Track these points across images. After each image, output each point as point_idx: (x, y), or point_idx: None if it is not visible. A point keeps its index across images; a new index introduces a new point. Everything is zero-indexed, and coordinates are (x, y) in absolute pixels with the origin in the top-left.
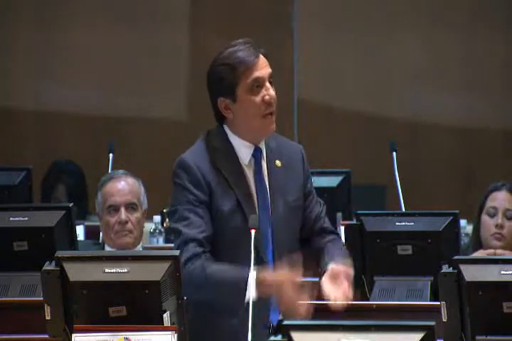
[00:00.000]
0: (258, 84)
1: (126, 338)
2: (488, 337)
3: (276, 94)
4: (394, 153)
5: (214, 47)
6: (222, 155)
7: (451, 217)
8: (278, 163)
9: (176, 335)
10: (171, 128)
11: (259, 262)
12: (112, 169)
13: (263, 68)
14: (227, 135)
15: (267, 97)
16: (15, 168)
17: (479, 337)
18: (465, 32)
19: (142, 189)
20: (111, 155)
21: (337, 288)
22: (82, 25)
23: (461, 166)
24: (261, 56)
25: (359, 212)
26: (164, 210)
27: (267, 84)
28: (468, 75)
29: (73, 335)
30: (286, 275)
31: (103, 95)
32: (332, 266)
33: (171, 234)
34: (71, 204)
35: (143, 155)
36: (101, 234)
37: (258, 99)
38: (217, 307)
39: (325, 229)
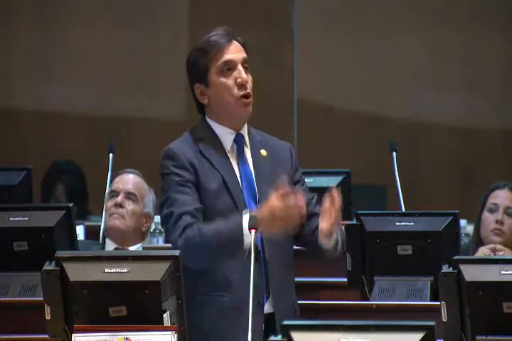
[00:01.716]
0: (229, 67)
1: (126, 338)
2: (488, 337)
3: (275, 93)
4: (394, 153)
5: None
6: (206, 143)
7: (451, 217)
8: (263, 152)
9: (176, 335)
10: (171, 128)
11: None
12: (112, 169)
13: (235, 52)
14: (209, 124)
15: (239, 80)
16: (15, 168)
17: (479, 337)
18: (465, 32)
19: (149, 193)
20: (111, 155)
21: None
22: (82, 25)
23: (461, 166)
24: (235, 42)
25: (359, 212)
26: None
27: (239, 67)
28: (468, 75)
29: (73, 335)
30: (275, 201)
31: (103, 95)
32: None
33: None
34: (71, 204)
35: (143, 155)
36: (101, 232)
37: (230, 81)
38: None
39: (317, 214)
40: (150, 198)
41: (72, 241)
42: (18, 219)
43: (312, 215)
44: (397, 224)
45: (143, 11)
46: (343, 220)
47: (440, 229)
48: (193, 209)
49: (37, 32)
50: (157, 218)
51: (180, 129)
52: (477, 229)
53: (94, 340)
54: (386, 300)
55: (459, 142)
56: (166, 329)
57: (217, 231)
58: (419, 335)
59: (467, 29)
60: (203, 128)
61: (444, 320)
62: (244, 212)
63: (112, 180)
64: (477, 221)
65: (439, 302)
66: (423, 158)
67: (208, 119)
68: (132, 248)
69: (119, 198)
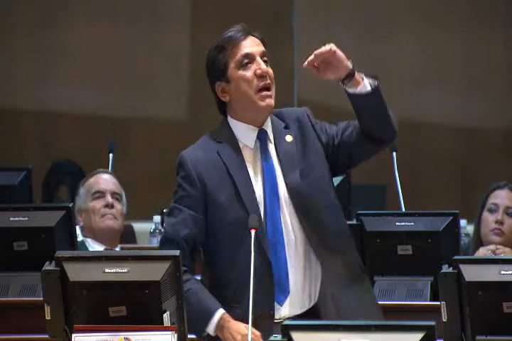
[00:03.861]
0: (248, 61)
1: (126, 338)
2: (488, 337)
3: (277, 93)
4: (394, 153)
5: None
6: (226, 146)
7: (451, 217)
8: (288, 137)
9: (175, 335)
10: (171, 128)
11: (261, 259)
12: (112, 169)
13: (253, 46)
14: (229, 124)
15: (258, 71)
16: (15, 167)
17: (479, 337)
18: (465, 32)
19: (123, 193)
20: (111, 155)
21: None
22: (82, 25)
23: (461, 166)
24: (251, 36)
25: (359, 212)
26: (164, 210)
27: (258, 59)
28: (468, 75)
29: (73, 335)
30: (242, 335)
31: (103, 95)
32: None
33: None
34: (71, 204)
35: (143, 155)
36: (79, 231)
37: (249, 73)
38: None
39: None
40: (124, 197)
41: (72, 241)
42: (18, 219)
43: (342, 127)
44: (397, 224)
45: (143, 11)
46: None
47: (440, 229)
48: (181, 238)
49: (37, 32)
50: (157, 218)
51: (181, 129)
52: (477, 229)
53: (94, 340)
54: (386, 300)
55: (459, 142)
56: (166, 329)
57: (191, 303)
58: (419, 335)
59: (467, 29)
60: (223, 131)
61: (444, 320)
62: (217, 313)
63: (84, 181)
64: (477, 221)
65: (439, 302)
66: (423, 158)
67: (229, 119)
68: (117, 248)
69: (110, 199)
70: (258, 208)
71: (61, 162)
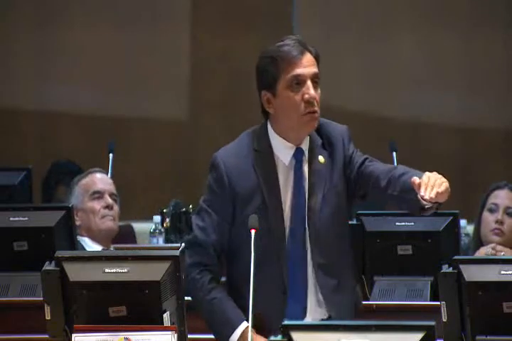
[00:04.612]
0: (298, 82)
1: (126, 338)
2: (488, 337)
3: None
4: (394, 153)
5: (214, 47)
6: (261, 157)
7: (451, 217)
8: (321, 158)
9: (175, 335)
10: (171, 128)
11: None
12: (112, 169)
13: (306, 66)
14: (268, 133)
15: (306, 96)
16: (15, 167)
17: (479, 337)
18: (465, 32)
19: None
20: (111, 155)
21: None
22: (82, 25)
23: (461, 166)
24: (307, 54)
25: (359, 212)
26: (164, 210)
27: (309, 82)
28: (469, 75)
29: (73, 335)
30: None
31: (103, 95)
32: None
33: (170, 234)
34: (71, 204)
35: (143, 155)
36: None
37: (298, 97)
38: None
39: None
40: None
41: (72, 241)
42: (18, 219)
43: (367, 171)
44: (397, 224)
45: (143, 11)
46: None
47: (440, 229)
48: (210, 242)
49: (37, 32)
50: (157, 218)
51: (181, 129)
52: (477, 229)
53: (94, 340)
54: (386, 300)
55: (459, 142)
56: (166, 329)
57: (214, 314)
58: (419, 335)
59: (467, 29)
60: (262, 139)
61: (444, 320)
62: (240, 326)
63: (78, 180)
64: (477, 221)
65: (439, 302)
66: (423, 158)
67: (270, 129)
68: (111, 248)
69: (109, 200)
70: (283, 225)
71: (61, 162)
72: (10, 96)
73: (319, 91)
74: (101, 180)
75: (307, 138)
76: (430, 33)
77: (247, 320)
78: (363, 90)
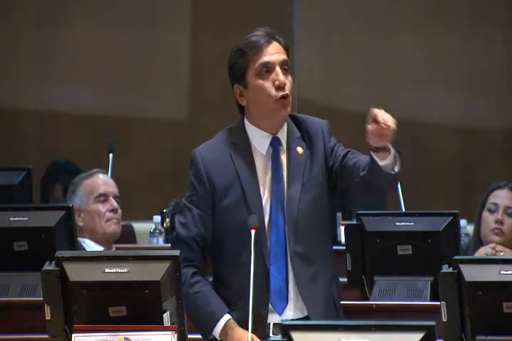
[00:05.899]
0: (267, 69)
1: (126, 338)
2: (488, 337)
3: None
4: None
5: (214, 47)
6: (239, 149)
7: (451, 217)
8: (299, 149)
9: (175, 335)
10: (171, 128)
11: (260, 267)
12: (112, 169)
13: (274, 54)
14: (245, 127)
15: (276, 82)
16: (15, 167)
17: (479, 337)
18: (465, 32)
19: None
20: (111, 155)
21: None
22: (82, 25)
23: (461, 166)
24: (274, 42)
25: (359, 212)
26: (164, 210)
27: (277, 69)
28: (468, 75)
29: (73, 335)
30: None
31: (103, 95)
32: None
33: (170, 234)
34: (71, 204)
35: (143, 155)
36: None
37: (268, 84)
38: None
39: (348, 155)
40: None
41: (72, 241)
42: (18, 219)
43: (350, 163)
44: (397, 224)
45: (143, 11)
46: (342, 220)
47: (440, 229)
48: (191, 237)
49: (38, 32)
50: (157, 218)
51: (181, 129)
52: (477, 229)
53: (94, 340)
54: (386, 300)
55: (459, 142)
56: (166, 329)
57: (197, 307)
58: (419, 335)
59: (467, 29)
60: (239, 133)
61: (444, 320)
62: (222, 318)
63: (81, 181)
64: (477, 221)
65: (439, 302)
66: (423, 158)
67: (246, 121)
68: (112, 248)
69: (114, 203)
70: (263, 214)
71: (59, 161)
72: (10, 96)
73: (290, 78)
74: (105, 182)
75: (284, 129)
76: (430, 33)
77: (230, 313)
78: (363, 90)
